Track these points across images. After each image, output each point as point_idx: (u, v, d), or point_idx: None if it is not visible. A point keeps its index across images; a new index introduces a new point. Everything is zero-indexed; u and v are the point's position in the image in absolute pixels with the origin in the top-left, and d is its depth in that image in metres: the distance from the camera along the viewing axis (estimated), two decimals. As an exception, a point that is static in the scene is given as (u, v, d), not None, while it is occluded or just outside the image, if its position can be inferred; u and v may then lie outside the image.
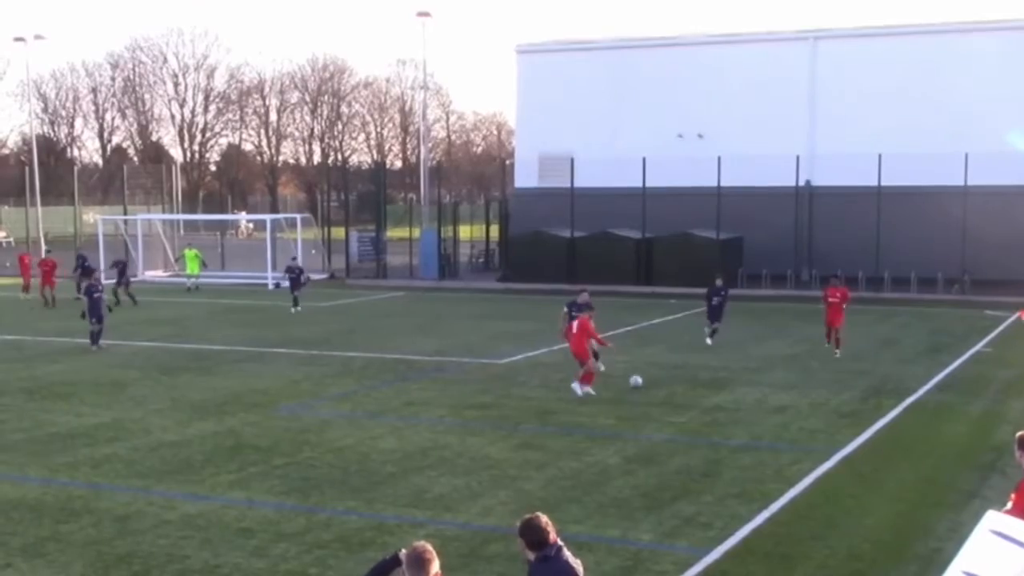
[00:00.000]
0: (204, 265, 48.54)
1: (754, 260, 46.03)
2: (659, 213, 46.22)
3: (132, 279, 44.16)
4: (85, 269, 41.15)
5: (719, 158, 45.13)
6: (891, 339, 31.37)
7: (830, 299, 27.87)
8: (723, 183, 45.49)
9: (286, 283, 40.83)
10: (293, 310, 37.73)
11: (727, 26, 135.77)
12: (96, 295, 29.15)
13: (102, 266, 44.40)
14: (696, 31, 53.95)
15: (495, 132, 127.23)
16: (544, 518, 7.19)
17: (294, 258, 42.10)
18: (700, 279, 43.16)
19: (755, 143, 46.94)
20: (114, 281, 40.97)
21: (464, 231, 57.58)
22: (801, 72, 49.74)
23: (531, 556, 7.15)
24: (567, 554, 7.20)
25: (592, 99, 52.25)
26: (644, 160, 46.37)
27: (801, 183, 47.55)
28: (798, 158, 46.43)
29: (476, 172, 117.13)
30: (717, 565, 12.36)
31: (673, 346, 29.32)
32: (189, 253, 48.31)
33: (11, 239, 76.03)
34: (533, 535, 7.13)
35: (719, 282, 29.23)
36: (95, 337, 28.85)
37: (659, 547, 12.95)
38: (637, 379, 22.65)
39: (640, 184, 46.77)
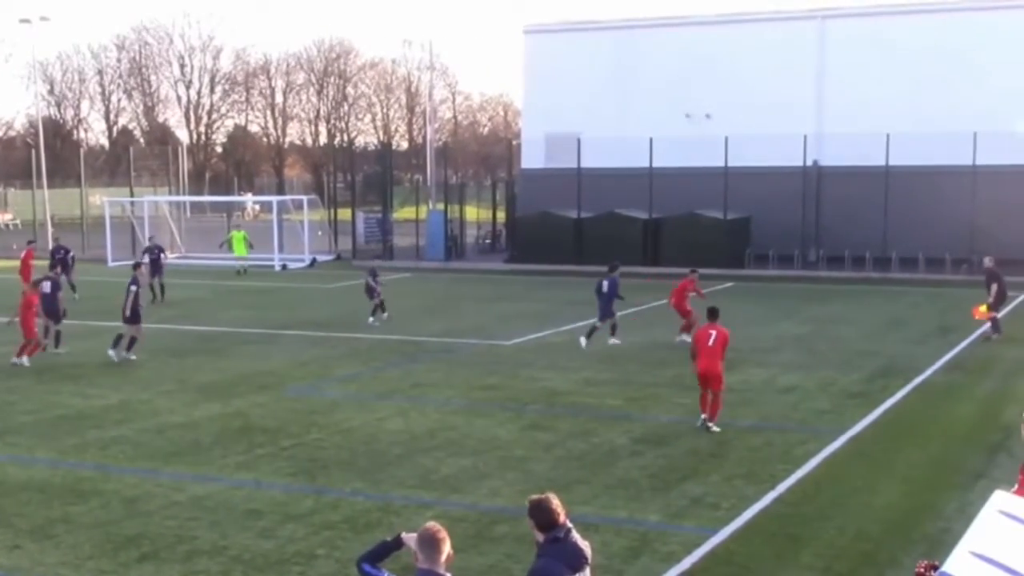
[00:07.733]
0: (251, 246, 47.04)
1: (761, 240, 45.99)
2: (666, 193, 46.03)
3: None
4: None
5: (726, 138, 44.98)
6: (899, 319, 31.32)
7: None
8: (730, 163, 45.34)
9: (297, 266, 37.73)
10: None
11: (734, 5, 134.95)
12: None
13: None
14: (703, 11, 53.80)
15: (501, 113, 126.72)
16: (555, 500, 7.17)
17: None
18: (707, 260, 43.44)
19: (763, 123, 46.60)
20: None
21: (471, 212, 57.49)
22: (809, 51, 49.37)
23: (540, 537, 7.14)
24: (576, 536, 7.21)
25: (599, 79, 52.00)
26: (651, 140, 46.20)
27: (809, 163, 47.38)
28: (805, 138, 46.21)
29: (482, 153, 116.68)
30: (724, 545, 12.38)
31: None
32: (237, 235, 47.19)
33: (17, 221, 75.97)
34: (543, 517, 7.11)
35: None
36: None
37: (666, 528, 12.96)
38: None
39: (647, 164, 46.64)
